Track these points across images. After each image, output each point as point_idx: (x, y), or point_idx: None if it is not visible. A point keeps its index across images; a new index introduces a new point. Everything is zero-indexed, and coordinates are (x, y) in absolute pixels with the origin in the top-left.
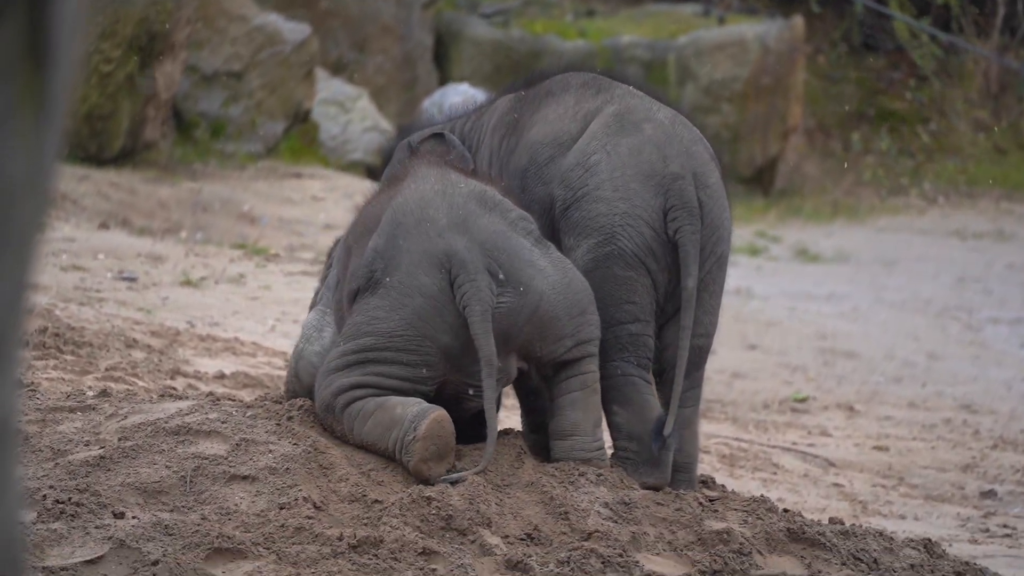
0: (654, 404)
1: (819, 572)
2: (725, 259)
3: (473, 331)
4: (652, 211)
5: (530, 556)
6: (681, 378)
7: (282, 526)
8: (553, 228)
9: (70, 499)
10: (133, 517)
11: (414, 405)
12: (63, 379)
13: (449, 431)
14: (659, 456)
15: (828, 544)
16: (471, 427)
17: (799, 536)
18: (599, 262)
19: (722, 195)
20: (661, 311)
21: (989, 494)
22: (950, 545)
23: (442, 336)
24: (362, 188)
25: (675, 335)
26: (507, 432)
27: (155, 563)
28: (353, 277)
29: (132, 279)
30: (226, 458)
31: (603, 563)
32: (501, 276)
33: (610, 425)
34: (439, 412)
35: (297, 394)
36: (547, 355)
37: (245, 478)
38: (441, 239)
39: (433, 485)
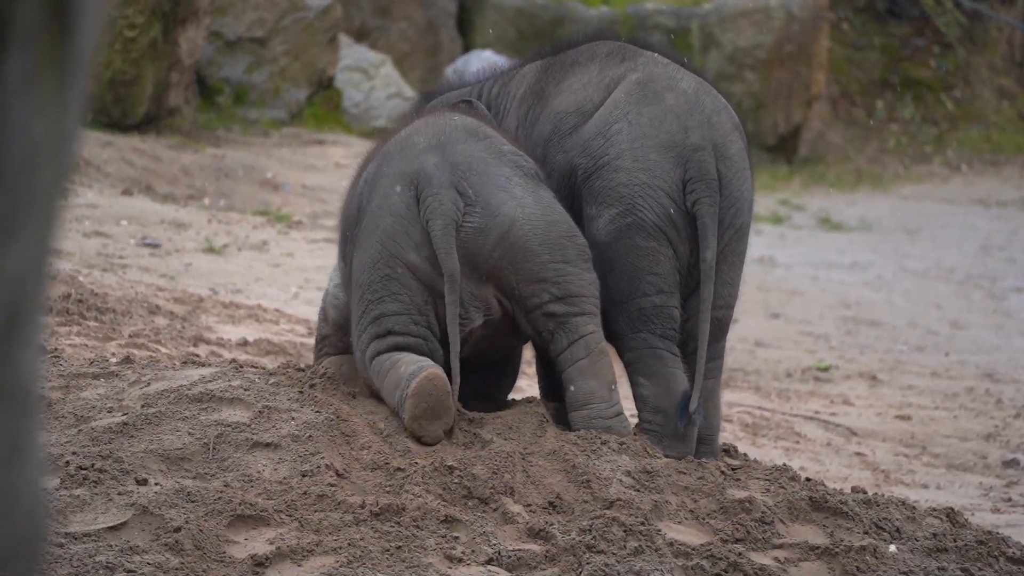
0: (680, 377)
1: (841, 541)
2: (746, 230)
3: (435, 245)
4: (671, 182)
5: (552, 524)
6: (704, 351)
7: (304, 493)
8: (574, 197)
9: (93, 465)
10: (156, 484)
11: (413, 364)
12: (86, 345)
13: (442, 389)
14: (684, 430)
15: (850, 513)
16: (489, 390)
17: (821, 505)
18: (621, 232)
19: (744, 166)
20: (683, 283)
21: (1012, 463)
22: (972, 514)
23: (408, 254)
24: None
25: (696, 307)
26: (529, 400)
27: (177, 529)
28: (345, 207)
29: (155, 245)
30: (249, 425)
31: (625, 531)
32: (471, 194)
33: (636, 397)
34: (431, 370)
35: (327, 336)
36: (529, 297)
37: (268, 445)
38: (415, 159)
39: (429, 444)
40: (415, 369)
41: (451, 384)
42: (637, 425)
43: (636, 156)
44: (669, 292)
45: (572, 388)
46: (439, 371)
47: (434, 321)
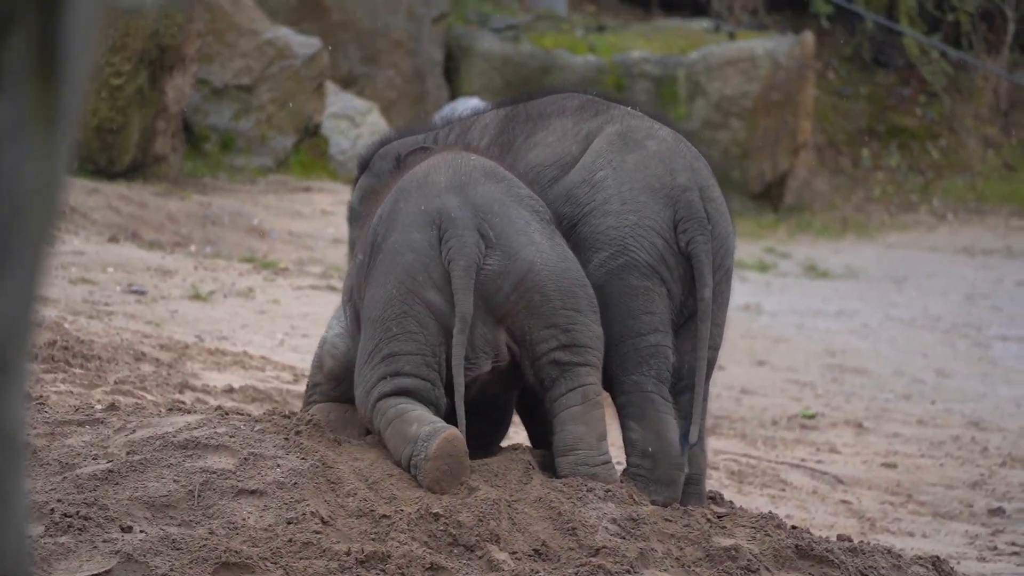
0: (671, 423)
1: None
2: (731, 273)
3: (454, 286)
4: (662, 222)
5: (538, 572)
6: (702, 388)
7: (290, 541)
8: None
9: (78, 513)
10: (141, 531)
11: (426, 424)
12: (72, 392)
13: (461, 450)
14: (671, 474)
15: (836, 561)
16: (482, 439)
17: (807, 553)
18: (613, 274)
19: (726, 210)
20: (674, 323)
21: (997, 512)
22: (958, 563)
23: (428, 292)
24: None
25: (685, 347)
26: (515, 447)
27: None
28: (360, 247)
29: (141, 292)
30: (234, 472)
31: None
32: (491, 237)
33: (625, 441)
34: (450, 432)
35: (318, 384)
36: (539, 343)
37: (253, 492)
38: (437, 199)
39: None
40: (430, 430)
41: (459, 425)
42: (624, 470)
43: (624, 199)
44: (664, 331)
45: (561, 432)
46: (456, 432)
47: (444, 364)
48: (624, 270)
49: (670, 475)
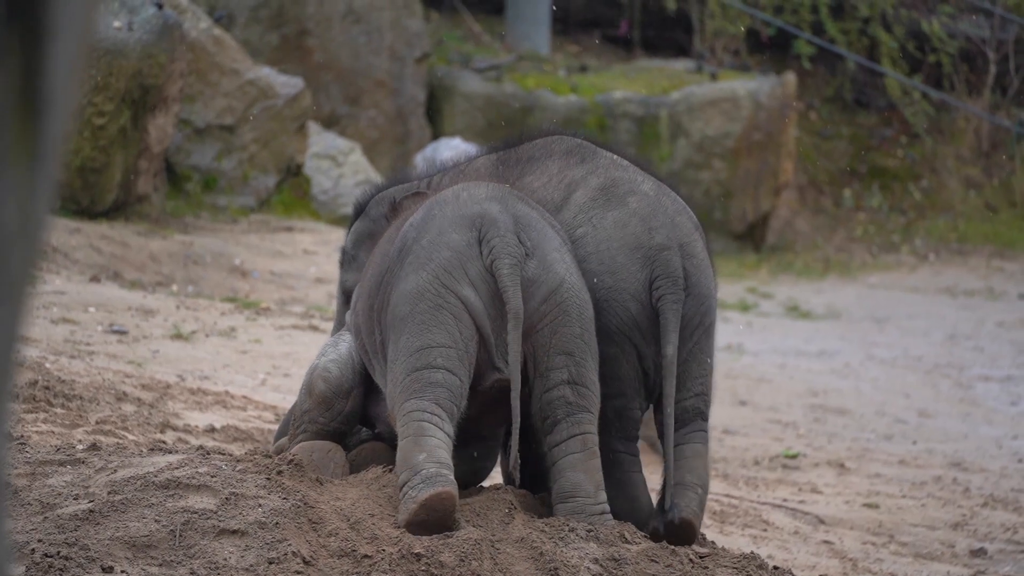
0: (639, 480)
1: None
2: (713, 327)
3: (501, 284)
4: (638, 284)
5: None
6: (671, 446)
7: None
8: None
9: (59, 553)
10: (122, 571)
11: (432, 465)
12: (53, 432)
13: (448, 510)
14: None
15: None
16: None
17: None
18: None
19: (708, 265)
20: (652, 382)
21: (979, 552)
22: None
23: (464, 288)
24: None
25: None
26: (497, 487)
27: None
28: (382, 252)
29: (123, 332)
30: (215, 512)
31: None
32: (529, 245)
33: None
34: (446, 490)
35: (308, 411)
36: (553, 369)
37: (234, 532)
38: (477, 205)
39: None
40: (433, 474)
41: (514, 421)
42: None
43: (602, 259)
44: (630, 396)
45: (560, 479)
46: (453, 491)
47: (473, 363)
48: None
49: (662, 529)
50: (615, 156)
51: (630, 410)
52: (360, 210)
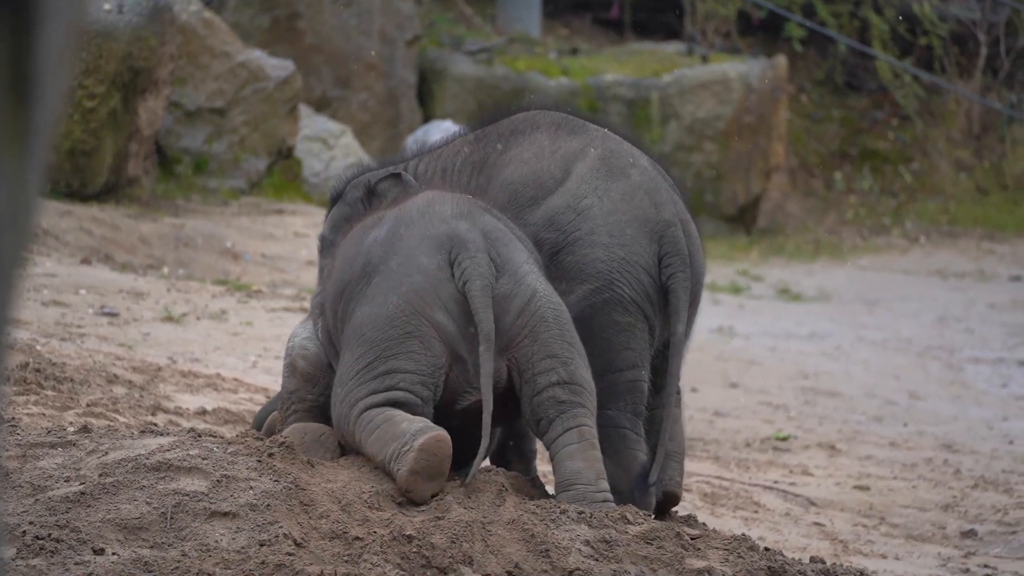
0: (641, 458)
1: None
2: (699, 305)
3: (473, 305)
4: (648, 258)
5: None
6: (670, 421)
7: (262, 563)
8: None
9: (50, 535)
10: (113, 553)
11: (418, 422)
12: (44, 414)
13: (446, 452)
14: (641, 502)
15: None
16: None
17: (780, 575)
18: (597, 308)
19: (700, 245)
20: (652, 356)
21: (970, 534)
22: None
23: (436, 313)
24: None
25: (657, 376)
26: (488, 469)
27: None
28: (347, 264)
29: (114, 314)
30: (207, 494)
31: None
32: (499, 262)
33: None
34: (440, 432)
35: (295, 391)
36: (542, 373)
37: (226, 515)
38: (444, 224)
39: (417, 504)
40: (422, 426)
41: (483, 442)
42: None
43: (612, 231)
44: (642, 367)
45: (560, 469)
46: (445, 435)
47: (440, 385)
48: (608, 305)
49: (639, 502)
50: (604, 130)
51: (641, 382)
52: (338, 196)
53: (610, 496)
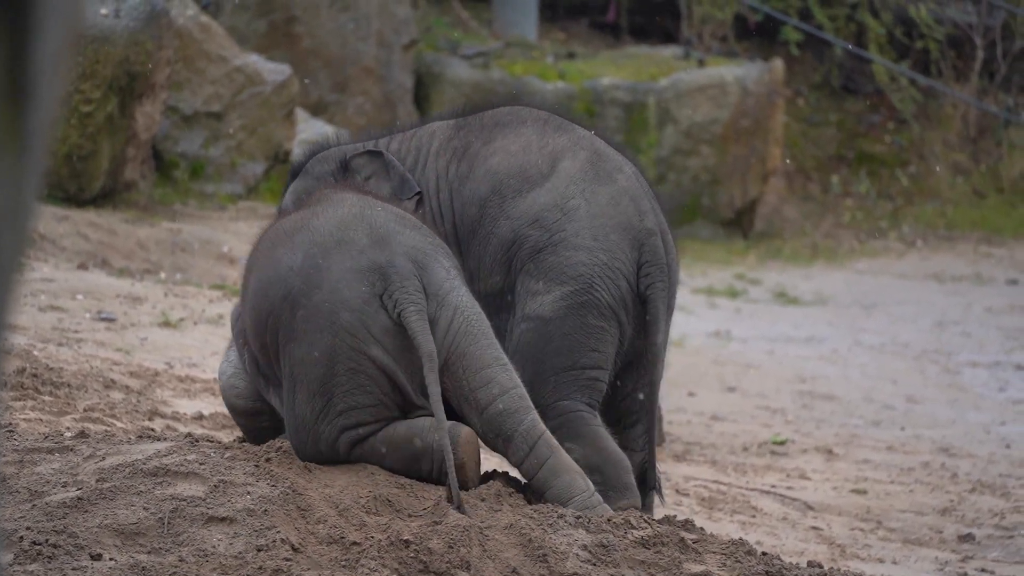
0: (605, 434)
1: None
2: (672, 314)
3: (411, 331)
4: (628, 264)
5: None
6: (655, 429)
7: (260, 568)
8: (510, 266)
9: (47, 540)
10: (110, 559)
11: (428, 432)
12: (41, 420)
13: (471, 437)
14: (623, 479)
15: None
16: None
17: None
18: (572, 310)
19: (677, 255)
20: (620, 360)
21: (967, 538)
22: None
23: (371, 348)
24: None
25: (631, 384)
26: (486, 474)
27: None
28: (262, 293)
29: (111, 320)
30: (204, 499)
31: None
32: (424, 283)
33: None
34: (466, 430)
35: (242, 426)
36: (479, 388)
37: (223, 520)
38: (363, 255)
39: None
40: (449, 425)
41: (448, 459)
42: None
43: (596, 235)
44: (605, 368)
45: (551, 489)
46: (470, 430)
47: (397, 412)
48: (585, 307)
49: (623, 480)
50: (589, 132)
51: (601, 382)
52: (298, 169)
53: (593, 491)
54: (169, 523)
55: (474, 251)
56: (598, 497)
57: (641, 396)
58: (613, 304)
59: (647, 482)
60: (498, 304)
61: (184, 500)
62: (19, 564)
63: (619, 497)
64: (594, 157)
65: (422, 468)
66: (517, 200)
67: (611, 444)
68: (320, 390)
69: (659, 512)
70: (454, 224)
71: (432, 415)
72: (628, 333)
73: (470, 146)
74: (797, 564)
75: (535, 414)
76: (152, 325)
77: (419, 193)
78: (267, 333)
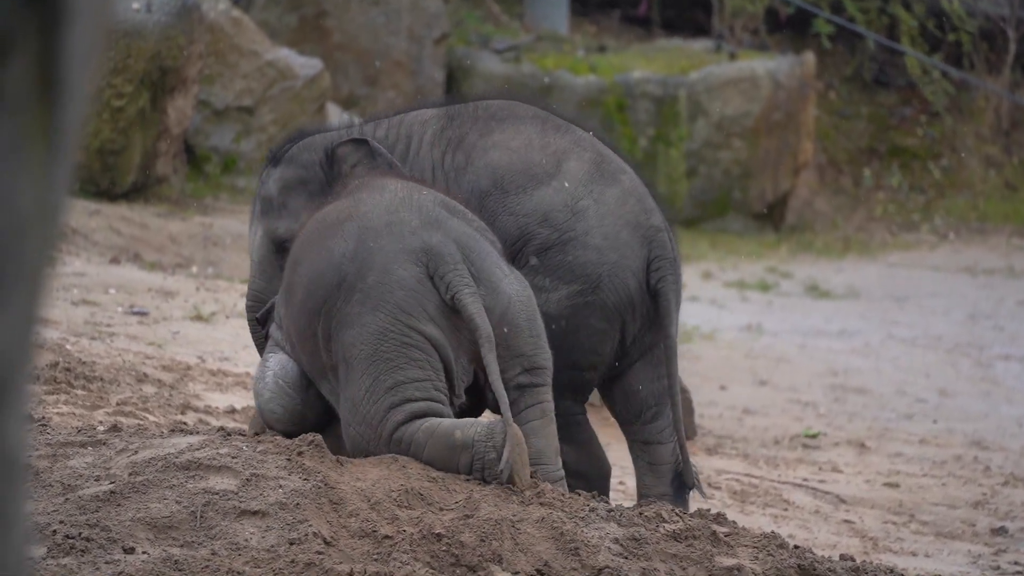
0: (595, 438)
1: None
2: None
3: (467, 313)
4: (639, 262)
5: None
6: (681, 425)
7: (292, 562)
8: (512, 261)
9: (80, 534)
10: (143, 552)
11: (471, 427)
12: (74, 414)
13: (519, 436)
14: (604, 487)
15: None
16: None
17: (810, 573)
18: (578, 309)
19: (679, 251)
20: (626, 355)
21: (1000, 531)
22: None
23: (425, 325)
24: None
25: (647, 376)
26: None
27: None
28: (315, 284)
29: (143, 313)
30: (236, 493)
31: None
32: (474, 271)
33: None
34: (496, 422)
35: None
36: (506, 371)
37: (255, 513)
38: (415, 236)
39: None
40: (491, 423)
41: (507, 442)
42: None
43: (606, 234)
44: (600, 370)
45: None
46: (518, 429)
47: (444, 392)
48: (590, 308)
49: (603, 488)
50: (589, 132)
51: (594, 384)
52: (277, 157)
53: (563, 474)
54: (201, 517)
55: None
56: (560, 475)
57: (657, 388)
58: (618, 305)
59: (684, 481)
60: None
61: (216, 494)
62: (52, 557)
63: None
64: (598, 158)
65: (460, 461)
66: (522, 197)
67: (601, 453)
68: (371, 365)
69: (691, 506)
70: None
71: (473, 417)
72: (633, 331)
73: (466, 137)
74: (829, 557)
75: (546, 387)
76: (184, 319)
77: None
78: (320, 322)
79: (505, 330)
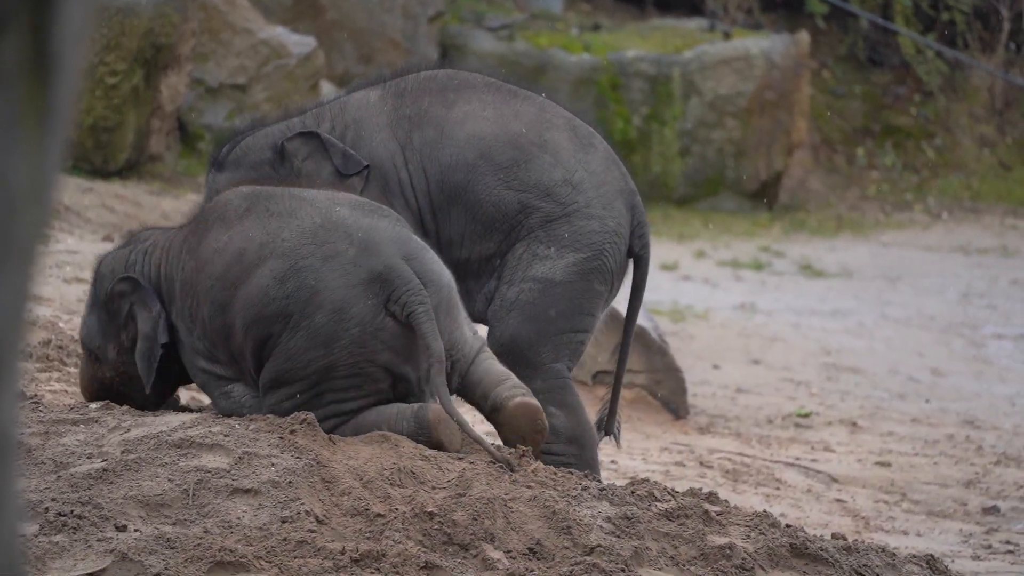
0: (582, 402)
1: None
2: None
3: (422, 333)
4: (628, 227)
5: (532, 571)
6: (621, 380)
7: (284, 540)
8: (510, 233)
9: (72, 512)
10: (135, 530)
11: (406, 407)
12: (66, 391)
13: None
14: (594, 456)
15: (831, 560)
16: None
17: (802, 552)
18: (583, 275)
19: None
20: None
21: (992, 510)
22: (952, 561)
23: (382, 355)
24: None
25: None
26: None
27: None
28: (253, 311)
29: None
30: (228, 471)
31: None
32: (419, 273)
33: (549, 427)
34: (434, 409)
35: None
36: (461, 357)
37: (247, 491)
38: (359, 268)
39: (449, 449)
40: (416, 414)
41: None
42: (551, 458)
43: (604, 203)
44: (592, 331)
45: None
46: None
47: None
48: (593, 273)
49: (592, 456)
50: (542, 95)
51: (586, 344)
52: (220, 162)
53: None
54: (194, 494)
55: (456, 217)
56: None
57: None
58: (615, 269)
59: (606, 429)
60: (480, 268)
61: (209, 472)
62: (44, 535)
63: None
64: (569, 124)
65: (396, 427)
66: (516, 170)
67: (588, 418)
68: (317, 392)
69: (682, 484)
70: (428, 191)
71: (403, 402)
72: (614, 293)
73: (427, 112)
74: (821, 536)
75: (486, 345)
76: None
77: (367, 167)
78: (249, 342)
79: (448, 319)
